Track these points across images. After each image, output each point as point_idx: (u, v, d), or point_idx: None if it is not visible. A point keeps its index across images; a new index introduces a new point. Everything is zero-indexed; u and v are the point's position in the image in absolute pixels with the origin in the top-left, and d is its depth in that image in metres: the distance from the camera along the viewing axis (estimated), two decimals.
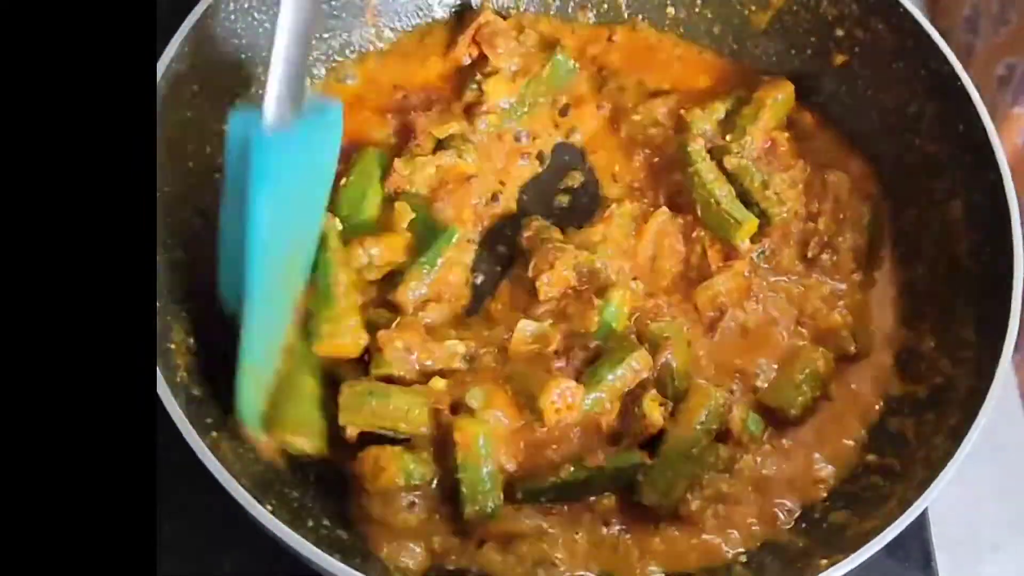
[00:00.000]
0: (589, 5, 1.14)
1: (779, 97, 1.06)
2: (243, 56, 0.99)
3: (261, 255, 0.83)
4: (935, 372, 0.93)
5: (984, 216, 0.94)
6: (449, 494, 0.88)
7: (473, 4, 1.13)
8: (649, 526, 0.89)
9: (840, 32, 1.07)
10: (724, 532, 0.89)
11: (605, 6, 1.14)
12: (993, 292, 0.90)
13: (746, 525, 0.89)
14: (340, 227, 0.96)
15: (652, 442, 0.92)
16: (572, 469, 0.89)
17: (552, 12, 1.15)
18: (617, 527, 0.90)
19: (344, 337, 0.91)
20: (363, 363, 0.93)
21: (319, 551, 0.76)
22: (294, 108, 0.84)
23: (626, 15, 1.14)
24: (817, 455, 0.93)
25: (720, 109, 1.07)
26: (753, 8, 1.11)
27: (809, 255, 1.01)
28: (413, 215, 1.00)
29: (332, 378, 0.92)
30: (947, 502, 0.99)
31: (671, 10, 1.13)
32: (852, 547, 0.80)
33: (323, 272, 0.93)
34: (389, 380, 0.91)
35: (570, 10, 1.14)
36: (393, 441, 0.89)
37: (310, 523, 0.85)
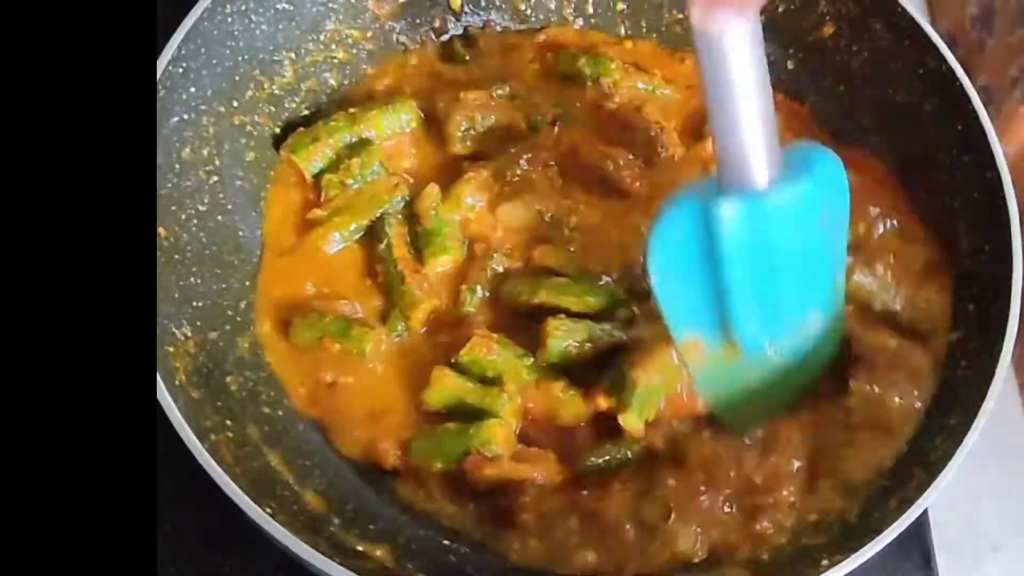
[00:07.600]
0: None
1: None
2: (240, 59, 1.00)
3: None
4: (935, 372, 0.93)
5: (983, 216, 0.93)
6: None
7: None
8: None
9: (837, 31, 1.07)
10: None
11: None
12: (993, 292, 0.90)
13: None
14: None
15: None
16: None
17: None
18: None
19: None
20: None
21: (318, 553, 0.76)
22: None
23: None
24: None
25: None
26: None
27: None
28: None
29: None
30: (947, 502, 1.00)
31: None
32: (852, 547, 0.79)
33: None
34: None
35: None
36: None
37: (310, 525, 0.84)
